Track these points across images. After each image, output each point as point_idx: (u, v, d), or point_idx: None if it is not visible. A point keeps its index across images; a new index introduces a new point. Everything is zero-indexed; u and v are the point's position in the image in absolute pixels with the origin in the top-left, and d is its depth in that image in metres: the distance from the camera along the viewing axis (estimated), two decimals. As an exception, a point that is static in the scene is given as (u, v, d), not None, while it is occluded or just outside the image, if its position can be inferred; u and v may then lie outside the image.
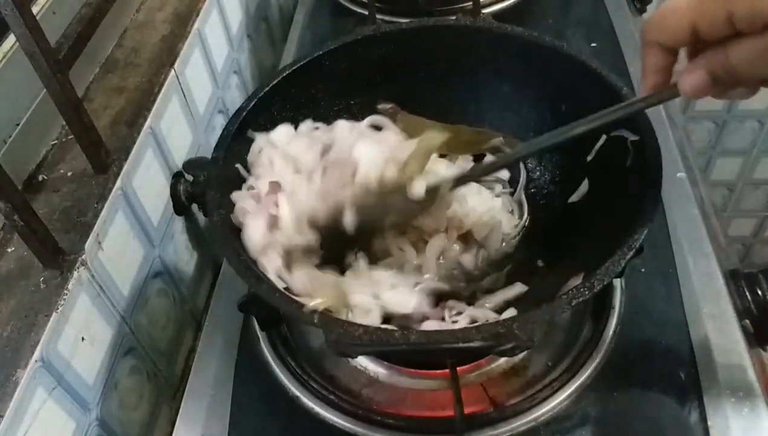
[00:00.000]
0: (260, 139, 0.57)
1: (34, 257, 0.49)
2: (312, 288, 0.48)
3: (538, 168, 0.63)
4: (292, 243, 0.51)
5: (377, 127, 0.58)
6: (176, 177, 0.66)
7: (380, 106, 0.65)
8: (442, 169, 0.61)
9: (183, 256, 0.68)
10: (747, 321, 0.55)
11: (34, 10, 0.50)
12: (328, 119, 0.65)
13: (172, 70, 0.66)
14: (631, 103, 0.44)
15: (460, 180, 0.52)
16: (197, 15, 0.73)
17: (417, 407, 0.52)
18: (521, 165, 0.64)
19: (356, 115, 0.67)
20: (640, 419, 0.49)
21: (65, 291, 0.48)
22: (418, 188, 0.50)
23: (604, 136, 0.55)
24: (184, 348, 0.68)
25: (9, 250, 0.51)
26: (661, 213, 0.61)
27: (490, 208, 0.60)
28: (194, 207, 0.68)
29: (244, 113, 0.56)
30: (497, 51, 0.61)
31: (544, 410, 0.50)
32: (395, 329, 0.43)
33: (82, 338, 0.50)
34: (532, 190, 0.63)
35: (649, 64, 0.40)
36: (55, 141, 0.60)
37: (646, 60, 0.40)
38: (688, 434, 0.48)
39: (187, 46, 0.70)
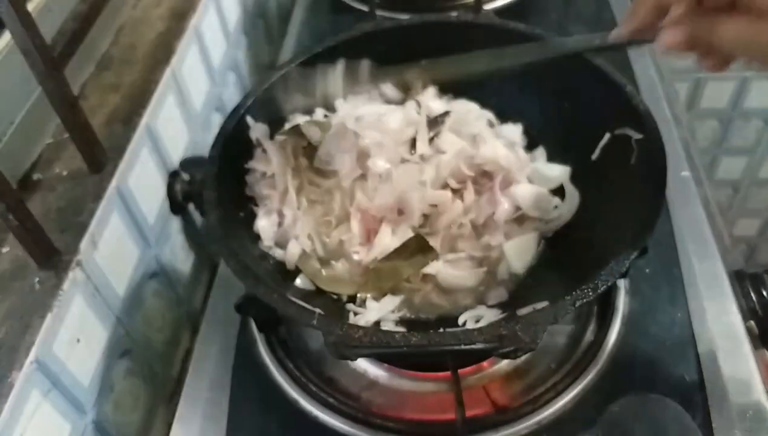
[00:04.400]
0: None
1: (28, 257, 0.48)
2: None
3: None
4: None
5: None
6: (172, 176, 0.65)
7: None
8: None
9: (179, 256, 0.68)
10: (752, 322, 0.54)
11: (30, 6, 0.49)
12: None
13: (169, 68, 0.66)
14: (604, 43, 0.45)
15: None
16: (194, 11, 0.73)
17: (418, 410, 0.51)
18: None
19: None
20: (644, 421, 0.49)
21: (60, 292, 0.47)
22: None
23: (608, 135, 0.55)
24: (180, 350, 0.67)
25: (4, 250, 0.50)
26: (666, 213, 0.61)
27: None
28: (191, 206, 0.68)
29: (242, 111, 0.56)
30: (499, 48, 0.61)
31: (547, 413, 0.49)
32: (395, 330, 0.42)
33: (78, 340, 0.49)
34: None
35: (638, 13, 0.40)
36: (51, 140, 0.59)
37: (637, 8, 0.40)
38: (692, 438, 0.47)
39: (183, 43, 0.69)
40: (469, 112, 0.62)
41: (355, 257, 0.54)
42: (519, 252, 0.54)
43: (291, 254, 0.55)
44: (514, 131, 0.62)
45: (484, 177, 0.57)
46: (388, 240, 0.53)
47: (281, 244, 0.56)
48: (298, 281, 0.54)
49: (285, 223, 0.56)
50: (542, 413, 0.49)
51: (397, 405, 0.52)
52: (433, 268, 0.52)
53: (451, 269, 0.53)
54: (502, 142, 0.59)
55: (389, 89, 0.65)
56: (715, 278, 0.56)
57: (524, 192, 0.56)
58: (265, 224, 0.56)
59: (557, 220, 0.56)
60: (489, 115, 0.63)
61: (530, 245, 0.55)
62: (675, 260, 0.58)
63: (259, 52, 0.97)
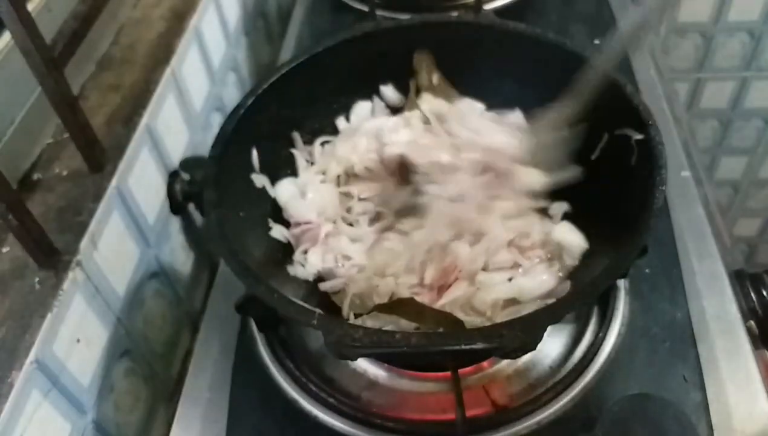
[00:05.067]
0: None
1: (28, 257, 0.48)
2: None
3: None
4: None
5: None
6: (172, 176, 0.65)
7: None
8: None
9: (179, 256, 0.68)
10: (752, 322, 0.54)
11: (30, 6, 0.49)
12: (327, 117, 0.65)
13: (169, 68, 0.66)
14: None
15: None
16: (194, 11, 0.73)
17: (418, 410, 0.51)
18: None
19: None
20: (644, 421, 0.48)
21: (60, 292, 0.47)
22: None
23: (607, 135, 0.54)
24: (180, 350, 0.67)
25: (4, 250, 0.50)
26: (666, 213, 0.61)
27: None
28: (191, 206, 0.68)
29: (242, 111, 0.56)
30: (499, 48, 0.61)
31: (547, 413, 0.49)
32: (396, 331, 0.42)
33: (78, 340, 0.49)
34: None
35: None
36: (51, 140, 0.59)
37: None
38: (692, 438, 0.47)
39: (183, 43, 0.69)
40: (472, 111, 0.62)
41: (417, 298, 0.52)
42: (569, 230, 0.54)
43: (331, 286, 0.55)
44: (517, 117, 0.61)
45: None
46: (463, 289, 0.52)
47: (323, 275, 0.56)
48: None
49: (339, 272, 0.55)
50: (542, 413, 0.49)
51: (397, 405, 0.52)
52: (511, 290, 0.51)
53: (529, 281, 0.52)
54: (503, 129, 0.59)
55: (391, 92, 0.65)
56: (715, 278, 0.56)
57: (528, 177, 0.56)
58: (314, 260, 0.56)
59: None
60: (491, 114, 0.63)
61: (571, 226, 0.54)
62: (675, 260, 0.58)
63: (259, 52, 0.97)
